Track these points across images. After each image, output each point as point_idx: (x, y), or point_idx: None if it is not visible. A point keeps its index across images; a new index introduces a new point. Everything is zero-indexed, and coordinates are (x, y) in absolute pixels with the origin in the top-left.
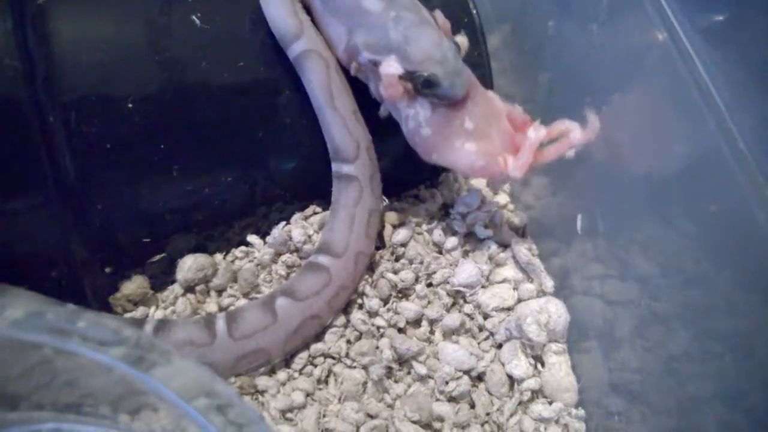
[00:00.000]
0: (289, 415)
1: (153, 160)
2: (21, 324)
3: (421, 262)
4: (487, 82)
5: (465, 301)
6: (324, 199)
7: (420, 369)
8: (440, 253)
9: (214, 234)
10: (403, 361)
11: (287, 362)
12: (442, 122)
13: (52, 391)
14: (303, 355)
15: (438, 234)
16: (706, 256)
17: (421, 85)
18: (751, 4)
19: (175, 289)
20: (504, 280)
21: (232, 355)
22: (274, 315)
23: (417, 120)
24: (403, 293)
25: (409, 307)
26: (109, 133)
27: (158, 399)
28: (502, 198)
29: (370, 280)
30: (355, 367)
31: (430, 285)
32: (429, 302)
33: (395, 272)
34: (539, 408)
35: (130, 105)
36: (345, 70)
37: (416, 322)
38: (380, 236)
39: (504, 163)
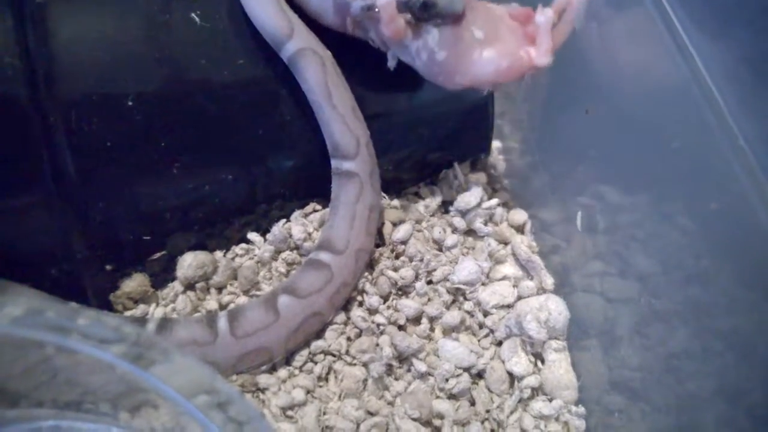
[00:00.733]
0: (289, 412)
1: (153, 158)
2: (22, 321)
3: (421, 260)
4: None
5: (465, 299)
6: (323, 197)
7: (420, 366)
8: (440, 250)
9: (214, 231)
10: (403, 358)
11: (288, 360)
12: (452, 41)
13: (53, 388)
14: (303, 353)
15: (438, 231)
16: (706, 254)
17: (420, 10)
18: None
19: (176, 286)
20: (504, 278)
21: (234, 353)
22: (276, 313)
23: (428, 48)
24: (403, 290)
25: (409, 305)
26: (110, 131)
27: (158, 396)
28: (502, 195)
29: (370, 277)
30: (355, 365)
31: (430, 282)
32: (429, 299)
33: (395, 269)
34: (539, 405)
35: (130, 103)
36: (340, 66)
37: (416, 320)
38: (380, 233)
39: (528, 56)
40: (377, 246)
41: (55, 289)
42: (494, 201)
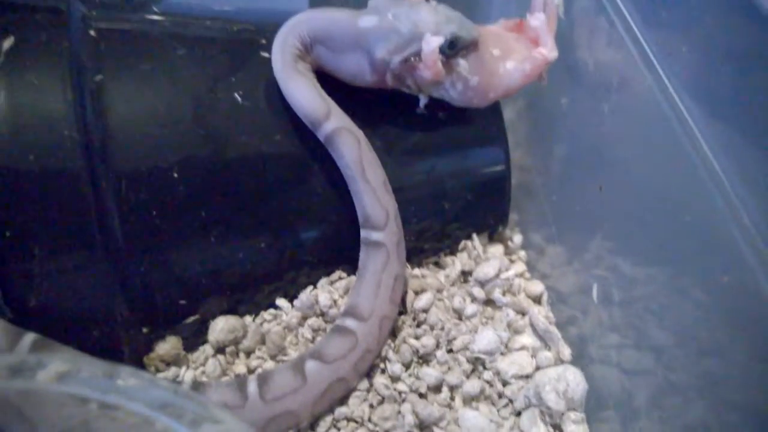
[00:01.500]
0: None
1: (193, 227)
2: (67, 378)
3: (442, 328)
4: (505, 155)
5: (484, 368)
6: (349, 265)
7: None
8: (460, 319)
9: (244, 297)
10: (424, 426)
11: (312, 426)
12: (479, 64)
13: None
14: (327, 419)
15: (458, 300)
16: (720, 327)
17: (450, 47)
18: (752, 80)
19: (206, 349)
20: (522, 348)
21: (263, 417)
22: (304, 378)
23: (462, 77)
24: (425, 359)
25: (431, 373)
26: (155, 201)
27: None
28: (519, 266)
29: (392, 344)
30: None
31: (450, 351)
32: (449, 368)
33: (417, 338)
34: None
35: (175, 175)
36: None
37: (437, 388)
38: (402, 301)
39: (541, 55)
40: (400, 314)
41: (95, 349)
42: (512, 272)
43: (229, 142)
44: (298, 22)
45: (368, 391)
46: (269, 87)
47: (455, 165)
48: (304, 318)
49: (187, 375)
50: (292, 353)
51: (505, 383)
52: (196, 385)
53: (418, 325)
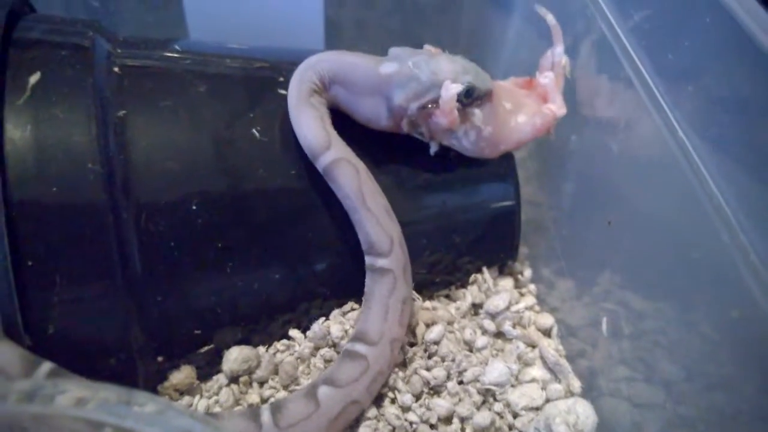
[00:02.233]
0: None
1: (210, 257)
2: (83, 403)
3: (453, 360)
4: (515, 191)
5: (495, 400)
6: (360, 296)
7: None
8: (471, 351)
9: (258, 327)
10: None
11: None
12: (492, 116)
13: None
14: None
15: (469, 333)
16: (729, 361)
17: (466, 96)
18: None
19: (220, 379)
20: (533, 380)
21: None
22: (317, 403)
23: (476, 127)
24: (435, 390)
25: (441, 404)
26: (174, 232)
27: None
28: (529, 299)
29: (402, 375)
30: None
31: (461, 382)
32: (460, 399)
33: (428, 369)
34: None
35: (194, 207)
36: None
37: (447, 419)
38: (414, 333)
39: (550, 111)
40: (411, 345)
41: (110, 377)
42: (522, 305)
43: (246, 176)
44: (319, 60)
45: (378, 419)
46: (286, 123)
47: (466, 200)
48: (317, 348)
49: (200, 404)
50: (305, 383)
51: (515, 415)
52: (210, 416)
53: (429, 357)
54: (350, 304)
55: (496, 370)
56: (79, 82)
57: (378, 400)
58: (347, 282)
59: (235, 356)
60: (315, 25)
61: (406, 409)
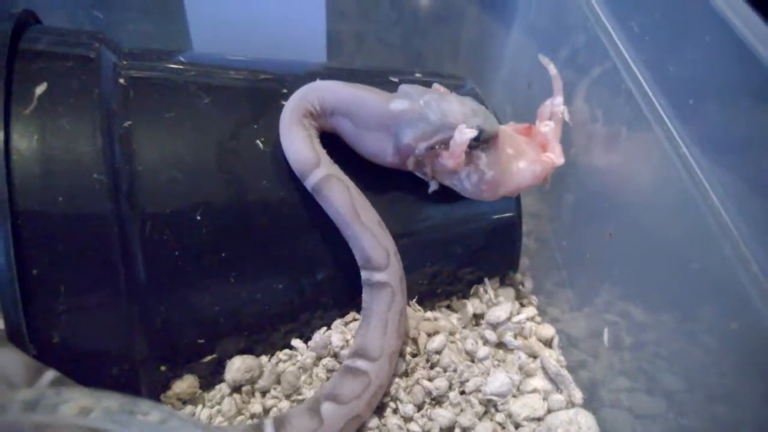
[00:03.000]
0: None
1: (214, 267)
2: (86, 411)
3: (455, 370)
4: (516, 203)
5: (496, 410)
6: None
7: None
8: (472, 361)
9: (260, 337)
10: None
11: None
12: (495, 160)
13: None
14: None
15: (470, 343)
16: (729, 372)
17: (474, 140)
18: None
19: (222, 389)
20: (534, 390)
21: None
22: (320, 420)
23: (479, 170)
24: (437, 400)
25: (443, 414)
26: (178, 242)
27: None
28: (530, 310)
29: (404, 385)
30: None
31: (462, 393)
32: (462, 410)
33: (430, 379)
34: None
35: (198, 218)
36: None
37: (449, 429)
38: (415, 343)
39: (550, 159)
40: (413, 355)
41: (113, 386)
42: (523, 315)
43: (250, 186)
44: (326, 88)
45: (380, 429)
46: None
47: (467, 211)
48: (319, 358)
49: (203, 413)
50: (307, 393)
51: (517, 425)
52: (214, 430)
53: (432, 367)
54: (352, 314)
55: (497, 381)
56: (85, 93)
57: (380, 410)
58: (349, 292)
59: (237, 366)
60: (317, 38)
61: (408, 419)
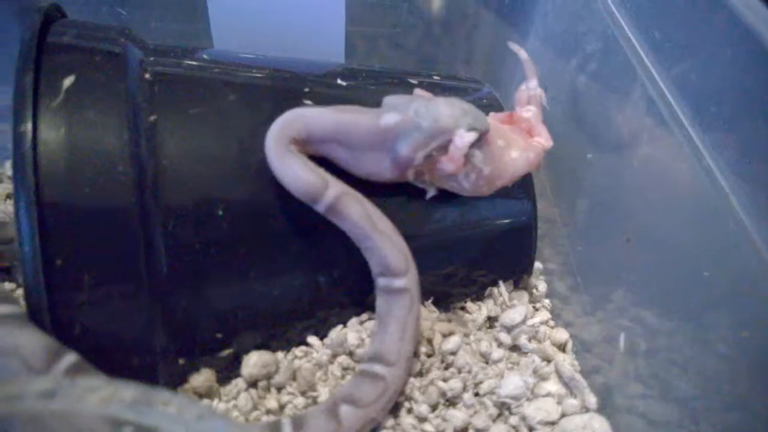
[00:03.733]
0: None
1: (234, 262)
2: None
3: (470, 371)
4: (531, 206)
5: (510, 413)
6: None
7: None
8: (487, 363)
9: (277, 333)
10: None
11: None
12: (490, 155)
13: None
14: None
15: (485, 345)
16: (743, 380)
17: None
18: None
19: (239, 383)
20: (548, 394)
21: None
22: (338, 422)
23: (477, 168)
24: (451, 401)
25: (457, 416)
26: (200, 237)
27: None
28: (543, 314)
29: (418, 384)
30: None
31: (477, 394)
32: (476, 412)
33: (445, 380)
34: None
35: (220, 213)
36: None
37: (463, 431)
38: (430, 343)
39: (539, 144)
40: (428, 355)
41: (131, 378)
42: (537, 319)
43: (271, 184)
44: (308, 115)
45: (395, 429)
46: None
47: (484, 213)
48: (334, 356)
49: (219, 407)
50: (322, 390)
51: (531, 429)
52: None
53: (446, 368)
54: (367, 314)
55: (512, 383)
56: (112, 86)
57: (394, 410)
58: (364, 291)
59: (254, 361)
60: (336, 41)
61: (422, 419)
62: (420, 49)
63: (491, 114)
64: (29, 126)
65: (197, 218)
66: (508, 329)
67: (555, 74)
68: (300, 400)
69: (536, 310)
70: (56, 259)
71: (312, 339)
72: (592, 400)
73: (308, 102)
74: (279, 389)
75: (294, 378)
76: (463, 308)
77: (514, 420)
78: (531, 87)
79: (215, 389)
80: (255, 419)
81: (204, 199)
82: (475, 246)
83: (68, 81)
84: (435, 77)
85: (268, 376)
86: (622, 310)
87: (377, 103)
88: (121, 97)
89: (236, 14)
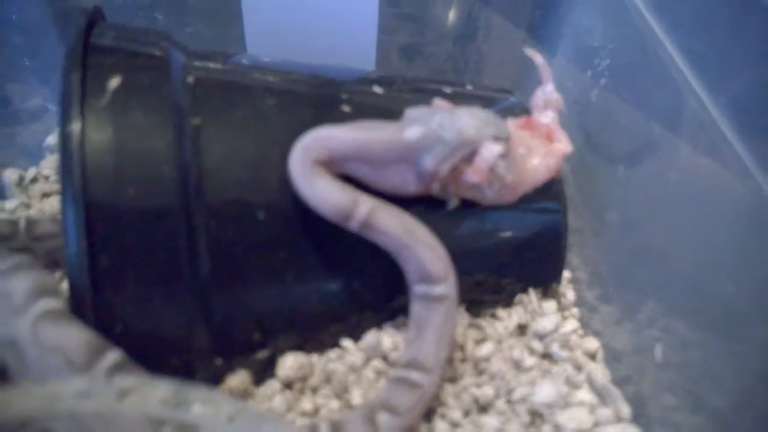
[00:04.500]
0: None
1: (273, 266)
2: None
3: (503, 378)
4: (562, 216)
5: (543, 421)
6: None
7: None
8: (519, 370)
9: (311, 335)
10: None
11: None
12: (512, 163)
13: None
14: None
15: (517, 352)
16: None
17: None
18: None
19: (274, 385)
20: (581, 403)
21: None
22: (376, 429)
23: (499, 177)
24: (484, 408)
25: (490, 422)
26: (241, 240)
27: None
28: (572, 323)
29: (452, 390)
30: None
31: (509, 401)
32: (508, 419)
33: (478, 386)
34: None
35: (261, 217)
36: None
37: None
38: (462, 349)
39: (559, 150)
40: (461, 361)
41: (169, 377)
42: (569, 327)
43: None
44: (329, 136)
45: None
46: None
47: (514, 222)
48: (368, 359)
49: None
50: (355, 392)
51: None
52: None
53: (479, 374)
54: (402, 319)
55: (544, 391)
56: (156, 89)
57: (427, 415)
58: (400, 296)
59: (290, 363)
60: (368, 49)
61: (455, 425)
62: (448, 60)
63: (509, 120)
64: (77, 126)
65: (238, 221)
66: (540, 337)
67: (582, 86)
68: (334, 403)
69: (564, 318)
70: (101, 259)
71: (346, 342)
72: (625, 410)
73: (346, 109)
74: (314, 391)
75: (328, 380)
76: (493, 315)
77: (546, 428)
78: (548, 92)
79: (250, 390)
80: (290, 421)
81: (245, 203)
82: (507, 253)
83: (114, 82)
84: (468, 86)
85: (303, 378)
86: (653, 321)
87: None
88: (165, 99)
89: (270, 20)
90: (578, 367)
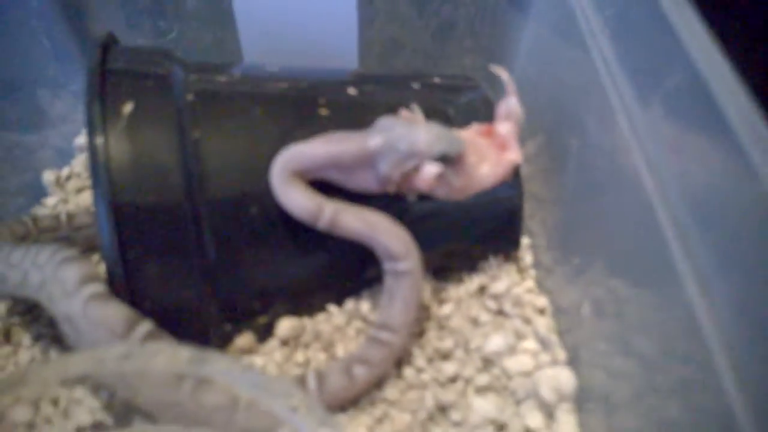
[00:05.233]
0: None
1: (266, 250)
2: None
3: (461, 333)
4: (518, 193)
5: (493, 366)
6: None
7: (455, 417)
8: (476, 325)
9: (303, 302)
10: (442, 409)
11: (354, 403)
12: (461, 171)
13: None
14: (366, 399)
15: (474, 310)
16: (694, 337)
17: (441, 161)
18: None
19: (273, 343)
20: (525, 350)
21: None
22: (352, 379)
23: (447, 182)
24: (445, 356)
25: (449, 367)
26: (240, 227)
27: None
28: (529, 283)
29: (418, 343)
30: (405, 412)
31: (466, 351)
32: (464, 364)
33: (440, 339)
34: None
35: (254, 211)
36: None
37: (454, 379)
38: (429, 310)
39: (508, 160)
40: (427, 319)
41: (190, 340)
42: (522, 288)
43: None
44: (301, 153)
45: (398, 378)
46: None
47: (473, 199)
48: (350, 320)
49: (258, 361)
50: (340, 347)
51: (509, 378)
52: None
53: (441, 329)
54: (377, 287)
55: (495, 342)
56: (164, 109)
57: (398, 365)
58: (375, 269)
59: (286, 325)
60: (349, 45)
61: (420, 370)
62: (430, 50)
63: (474, 126)
64: (102, 146)
65: (236, 214)
66: (495, 297)
67: (574, 71)
68: (322, 356)
69: (522, 279)
70: (129, 249)
71: (332, 307)
72: (562, 355)
73: (323, 112)
74: (306, 347)
75: (317, 338)
76: (459, 279)
77: (496, 371)
78: (511, 104)
79: (255, 348)
80: (287, 370)
81: (241, 199)
82: (471, 226)
83: (128, 108)
84: (435, 79)
85: (297, 337)
86: (595, 278)
87: (384, 107)
88: (172, 118)
89: (262, 23)
90: (527, 321)
